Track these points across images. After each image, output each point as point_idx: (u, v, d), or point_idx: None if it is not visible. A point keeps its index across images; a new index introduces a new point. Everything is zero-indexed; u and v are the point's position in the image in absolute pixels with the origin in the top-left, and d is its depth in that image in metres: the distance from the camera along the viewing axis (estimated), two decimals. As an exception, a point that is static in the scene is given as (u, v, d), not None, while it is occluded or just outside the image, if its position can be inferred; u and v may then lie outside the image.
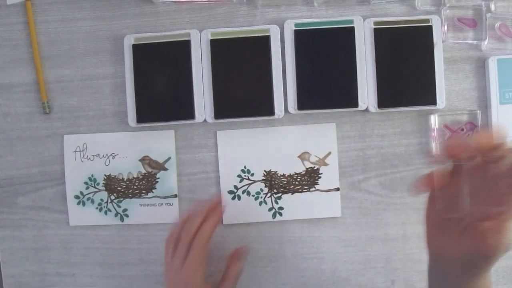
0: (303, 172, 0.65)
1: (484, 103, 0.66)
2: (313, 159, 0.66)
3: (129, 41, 0.67)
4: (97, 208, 0.68)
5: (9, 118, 0.69)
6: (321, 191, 0.66)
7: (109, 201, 0.68)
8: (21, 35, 0.69)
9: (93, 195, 0.68)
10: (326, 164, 0.66)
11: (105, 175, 0.68)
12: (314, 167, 0.65)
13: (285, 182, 0.62)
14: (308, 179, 0.63)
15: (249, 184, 0.67)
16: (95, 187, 0.68)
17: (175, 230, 0.59)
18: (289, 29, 0.66)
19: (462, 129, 0.66)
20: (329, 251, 0.67)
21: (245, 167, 0.67)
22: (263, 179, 0.67)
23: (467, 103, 0.67)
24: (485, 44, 0.66)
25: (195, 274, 0.55)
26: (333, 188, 0.66)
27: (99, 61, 0.68)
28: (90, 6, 0.68)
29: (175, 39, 0.67)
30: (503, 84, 0.65)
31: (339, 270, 0.67)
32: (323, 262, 0.67)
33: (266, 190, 0.67)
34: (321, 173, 0.66)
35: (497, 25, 0.66)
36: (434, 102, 0.65)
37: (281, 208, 0.67)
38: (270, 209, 0.67)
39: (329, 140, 0.66)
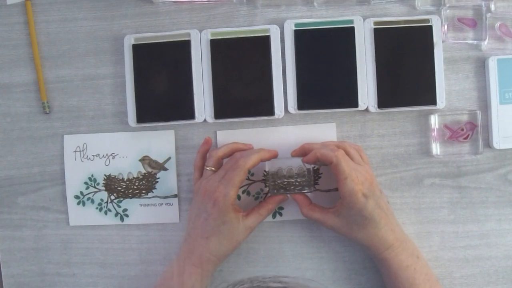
0: (304, 173, 0.65)
1: (484, 103, 0.66)
2: None
3: (129, 41, 0.67)
4: (97, 208, 0.68)
5: (9, 118, 0.69)
6: (322, 191, 0.66)
7: (109, 201, 0.68)
8: (21, 35, 0.69)
9: (93, 195, 0.68)
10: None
11: (105, 175, 0.68)
12: (315, 167, 0.65)
13: (286, 182, 0.62)
14: (309, 179, 0.63)
15: (249, 184, 0.67)
16: (95, 187, 0.68)
17: (217, 152, 0.62)
18: (289, 29, 0.66)
19: (462, 129, 0.66)
20: (329, 251, 0.67)
21: None
22: (263, 179, 0.67)
23: (467, 103, 0.67)
24: (485, 44, 0.66)
25: (226, 194, 0.58)
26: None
27: (99, 61, 0.68)
28: (90, 6, 0.68)
29: (175, 39, 0.67)
30: (503, 84, 0.65)
31: (339, 269, 0.67)
32: (323, 262, 0.67)
33: (266, 190, 0.67)
34: (321, 173, 0.66)
35: (497, 25, 0.66)
36: (434, 102, 0.65)
37: (281, 208, 0.67)
38: None
39: (330, 139, 0.66)
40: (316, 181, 0.66)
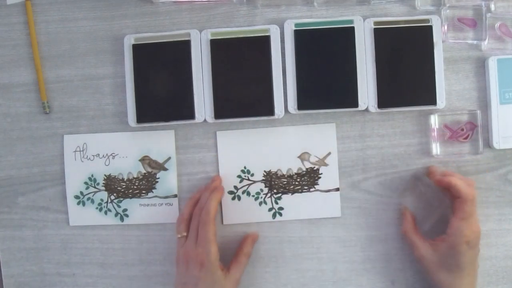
0: (303, 173, 0.65)
1: (484, 103, 0.66)
2: (313, 159, 0.66)
3: (129, 41, 0.67)
4: (97, 208, 0.68)
5: (9, 118, 0.69)
6: (321, 191, 0.66)
7: (109, 201, 0.68)
8: (21, 35, 0.69)
9: (93, 195, 0.68)
10: (326, 165, 0.66)
11: (105, 175, 0.68)
12: (314, 167, 0.66)
13: (285, 182, 0.62)
14: (308, 180, 0.63)
15: (249, 185, 0.67)
16: (95, 187, 0.68)
17: (182, 216, 0.63)
18: (289, 29, 0.66)
19: (462, 129, 0.66)
20: (329, 251, 0.67)
21: (245, 167, 0.67)
22: (263, 180, 0.67)
23: (467, 103, 0.67)
24: (485, 44, 0.66)
25: (208, 253, 0.57)
26: (333, 188, 0.66)
27: (99, 61, 0.68)
28: (90, 6, 0.68)
29: (175, 39, 0.67)
30: (503, 84, 0.65)
31: (339, 270, 0.67)
32: (323, 262, 0.67)
33: (266, 190, 0.67)
34: (321, 173, 0.66)
35: (497, 25, 0.66)
36: (434, 102, 0.65)
37: (281, 208, 0.67)
38: (270, 209, 0.67)
39: (329, 140, 0.66)
40: (316, 182, 0.66)
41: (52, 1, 0.68)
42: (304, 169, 0.62)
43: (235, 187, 0.67)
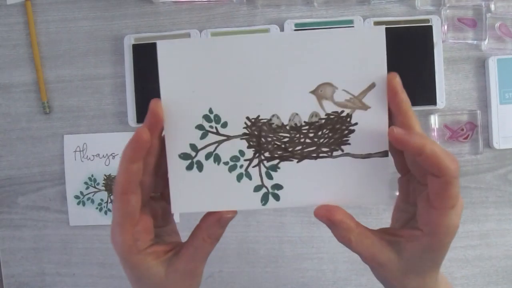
0: (321, 122, 0.35)
1: (484, 103, 0.66)
2: (339, 97, 0.35)
3: (129, 41, 0.67)
4: (97, 208, 0.68)
5: (9, 118, 0.69)
6: (355, 156, 0.36)
7: (109, 201, 0.68)
8: (21, 35, 0.69)
9: (93, 195, 0.68)
10: (365, 107, 0.36)
11: (105, 175, 0.68)
12: (342, 111, 0.36)
13: (287, 138, 0.36)
14: (331, 134, 0.36)
15: (220, 142, 0.36)
16: (95, 187, 0.68)
17: None
18: (289, 29, 0.66)
19: (462, 129, 0.66)
20: (329, 251, 0.67)
21: (211, 110, 0.36)
22: (244, 134, 0.36)
23: (467, 103, 0.67)
24: (485, 44, 0.66)
25: (119, 235, 0.38)
26: (377, 151, 0.36)
27: (99, 61, 0.68)
28: (90, 6, 0.68)
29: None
30: (503, 84, 0.65)
31: (339, 270, 0.67)
32: (323, 262, 0.67)
33: (250, 153, 0.36)
34: (355, 124, 0.36)
35: (497, 25, 0.66)
36: (434, 102, 0.65)
37: (278, 186, 0.36)
38: (257, 188, 0.36)
39: (372, 61, 0.37)
40: (345, 139, 0.36)
41: (52, 1, 0.68)
42: (324, 115, 0.35)
43: (193, 146, 0.36)
